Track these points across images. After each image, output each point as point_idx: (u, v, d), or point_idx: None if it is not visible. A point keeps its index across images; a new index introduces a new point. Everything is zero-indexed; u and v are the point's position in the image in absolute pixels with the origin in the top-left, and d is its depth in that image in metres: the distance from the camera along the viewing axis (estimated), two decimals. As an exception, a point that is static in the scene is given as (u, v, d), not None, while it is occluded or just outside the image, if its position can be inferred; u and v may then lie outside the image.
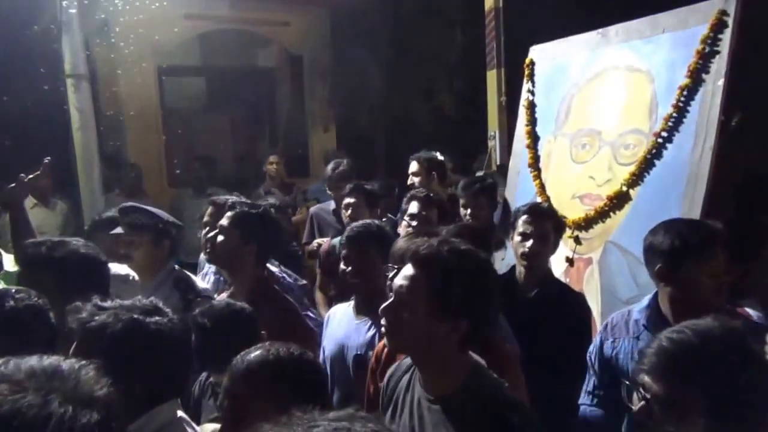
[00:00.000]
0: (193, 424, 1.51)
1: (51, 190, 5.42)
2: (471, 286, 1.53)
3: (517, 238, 2.69)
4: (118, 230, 2.73)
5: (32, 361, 0.81)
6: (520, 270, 2.72)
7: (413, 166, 4.30)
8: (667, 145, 3.06)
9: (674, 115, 3.03)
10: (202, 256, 3.63)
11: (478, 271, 1.56)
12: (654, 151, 3.09)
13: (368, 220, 2.80)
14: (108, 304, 1.46)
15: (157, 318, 1.42)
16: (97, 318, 1.40)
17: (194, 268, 4.04)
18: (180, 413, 1.48)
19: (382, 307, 1.58)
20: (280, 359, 1.55)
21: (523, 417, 1.47)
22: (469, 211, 3.64)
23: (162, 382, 1.42)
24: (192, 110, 7.98)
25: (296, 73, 8.11)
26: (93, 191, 5.26)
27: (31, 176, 2.65)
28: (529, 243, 2.65)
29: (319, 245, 4.14)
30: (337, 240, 3.75)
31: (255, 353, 1.57)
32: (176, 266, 2.89)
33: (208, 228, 2.85)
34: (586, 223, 3.36)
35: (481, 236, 2.57)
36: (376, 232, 2.56)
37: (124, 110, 6.83)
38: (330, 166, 4.71)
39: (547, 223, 2.71)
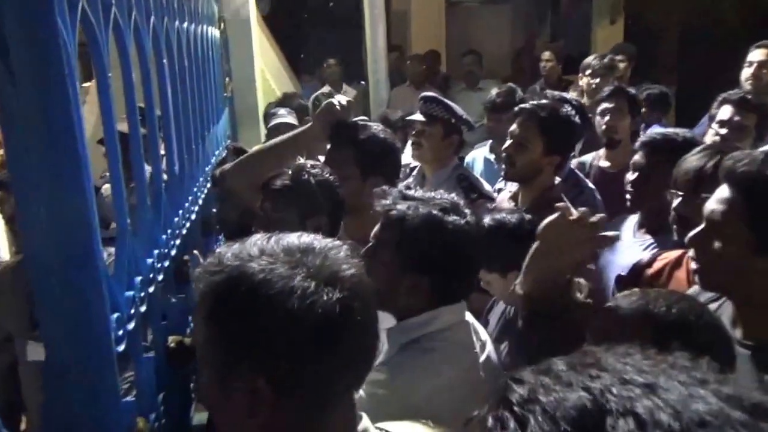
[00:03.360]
0: (480, 330, 1.48)
1: (342, 78, 5.89)
2: None
3: None
4: (417, 116, 2.75)
5: (291, 238, 0.86)
6: None
7: (759, 54, 3.42)
8: None
9: None
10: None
11: None
12: None
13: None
14: (411, 193, 1.45)
15: (454, 217, 1.38)
16: (398, 207, 1.40)
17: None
18: (470, 319, 1.47)
19: (691, 235, 1.34)
20: (685, 316, 1.15)
21: None
22: None
23: (451, 281, 1.39)
24: (473, 3, 7.90)
25: (584, -43, 7.49)
26: (379, 81, 5.58)
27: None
28: None
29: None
30: (589, 156, 3.22)
31: (635, 299, 1.19)
32: (458, 163, 2.81)
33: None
34: None
35: None
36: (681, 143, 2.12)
37: (411, 3, 7.01)
38: (593, 58, 4.09)
39: None
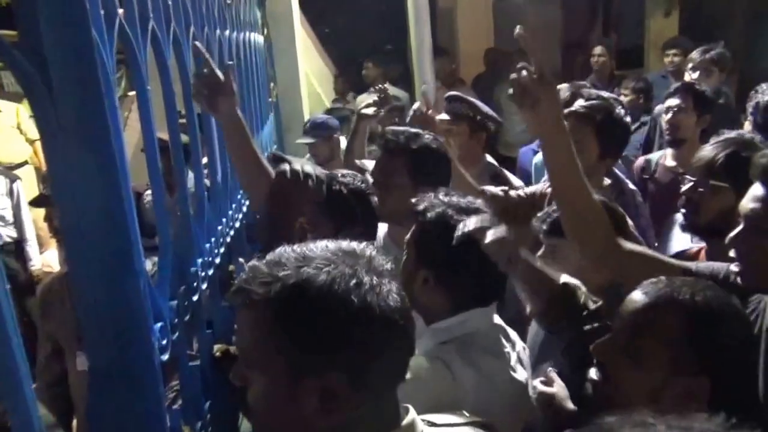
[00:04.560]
0: (510, 332, 1.48)
1: (383, 81, 5.87)
2: None
3: None
4: (443, 116, 2.77)
5: (322, 244, 0.88)
6: None
7: None
8: None
9: None
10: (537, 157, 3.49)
11: None
12: None
13: None
14: (441, 198, 1.47)
15: (464, 217, 1.38)
16: (420, 206, 1.45)
17: (512, 163, 4.01)
18: (497, 320, 1.47)
19: (731, 236, 1.33)
20: (709, 304, 1.09)
21: None
22: None
23: (467, 285, 1.39)
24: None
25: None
26: (426, 82, 5.51)
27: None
28: None
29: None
30: (656, 155, 3.12)
31: (661, 287, 1.12)
32: (489, 161, 2.84)
33: None
34: None
35: None
36: None
37: (458, 1, 6.95)
38: (697, 51, 3.98)
39: None
